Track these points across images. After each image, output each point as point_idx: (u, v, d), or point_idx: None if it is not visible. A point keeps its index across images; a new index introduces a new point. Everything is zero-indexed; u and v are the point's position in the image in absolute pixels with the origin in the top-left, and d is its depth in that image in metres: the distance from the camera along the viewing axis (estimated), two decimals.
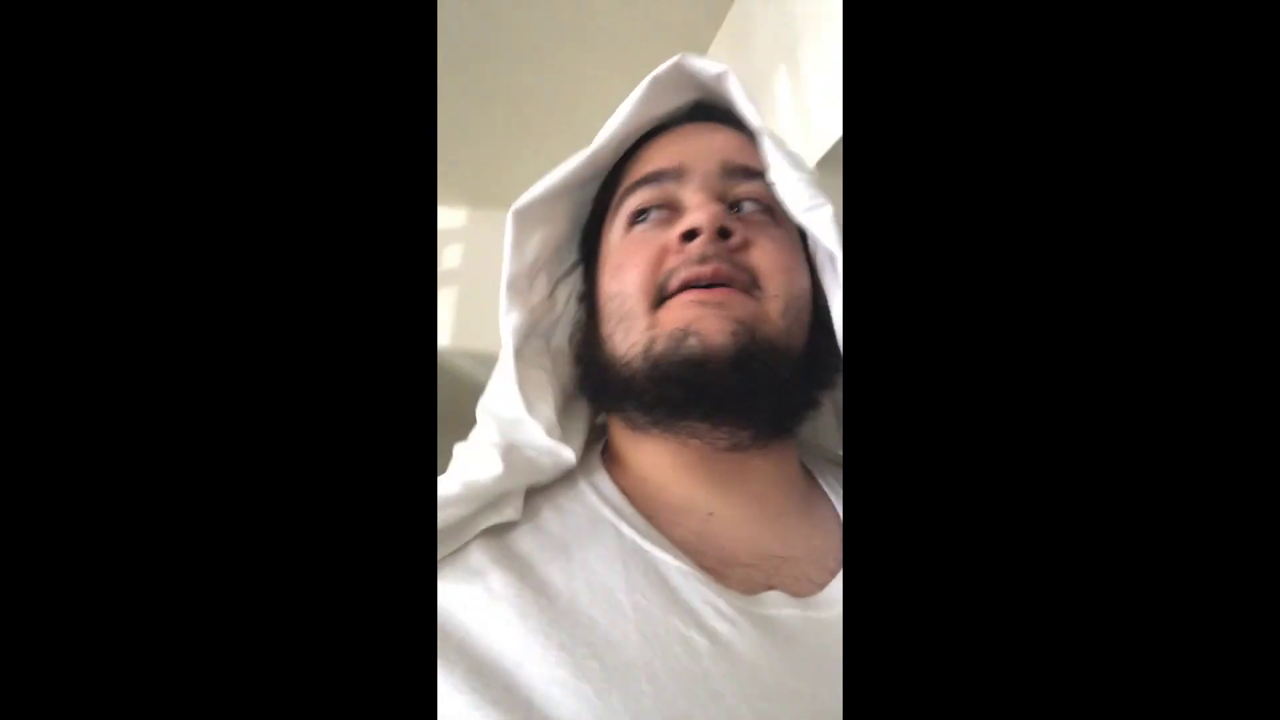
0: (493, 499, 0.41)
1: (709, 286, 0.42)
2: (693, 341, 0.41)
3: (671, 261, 0.44)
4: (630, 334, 0.44)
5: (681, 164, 0.47)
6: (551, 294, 0.51)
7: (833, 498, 0.48)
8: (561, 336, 0.51)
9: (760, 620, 0.37)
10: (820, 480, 0.50)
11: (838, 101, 1.08)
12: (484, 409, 0.47)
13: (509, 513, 0.41)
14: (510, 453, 0.42)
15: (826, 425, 0.53)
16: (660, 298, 0.43)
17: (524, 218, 0.48)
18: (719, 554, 0.41)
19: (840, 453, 0.53)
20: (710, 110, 0.51)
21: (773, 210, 0.47)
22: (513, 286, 0.48)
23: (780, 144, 0.47)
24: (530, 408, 0.44)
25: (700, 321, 0.41)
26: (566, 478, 0.46)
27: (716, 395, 0.41)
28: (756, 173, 0.47)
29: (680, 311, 0.42)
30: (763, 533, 0.43)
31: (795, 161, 0.46)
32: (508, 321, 0.47)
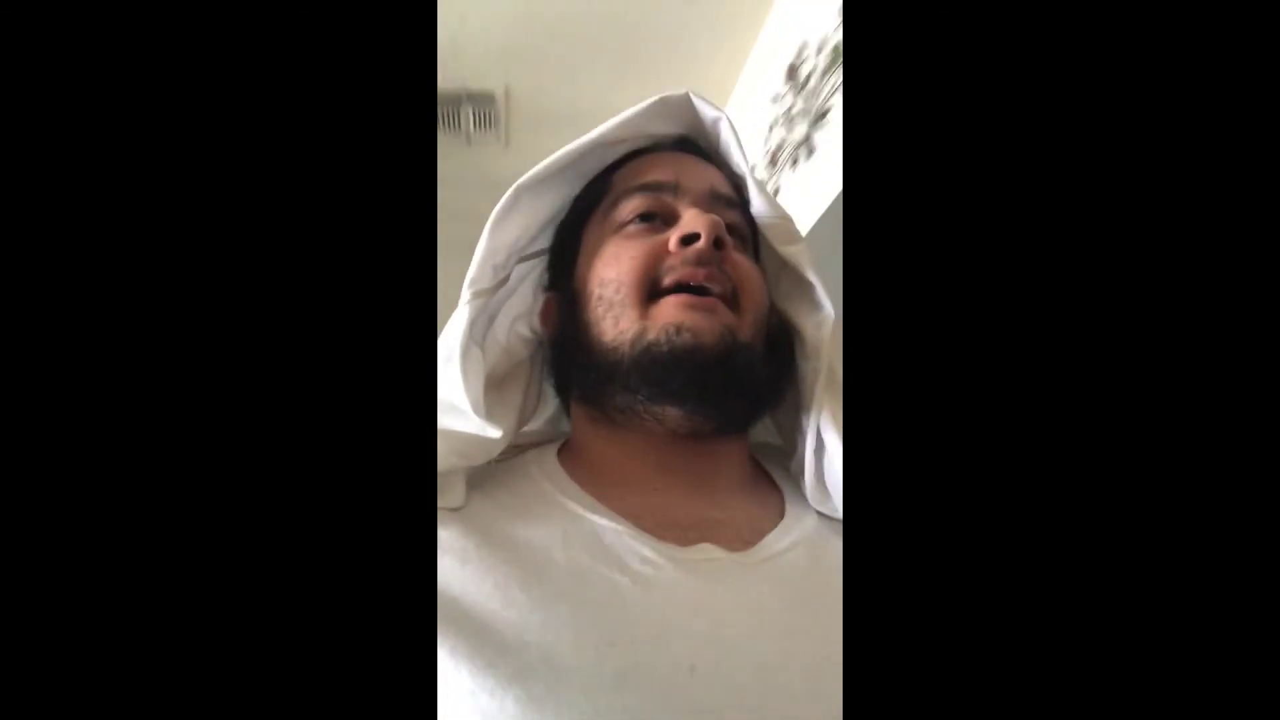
0: None
1: (700, 294, 0.47)
2: (687, 336, 0.45)
3: (668, 261, 0.48)
4: (620, 321, 0.48)
5: (679, 181, 0.52)
6: (509, 275, 0.54)
7: (781, 485, 0.52)
8: (505, 318, 0.55)
9: (685, 563, 0.42)
10: (771, 472, 0.54)
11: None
12: None
13: (451, 499, 0.45)
14: (439, 439, 0.45)
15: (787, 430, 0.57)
16: (653, 292, 0.48)
17: (522, 192, 0.52)
18: (659, 519, 0.45)
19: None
20: (691, 145, 0.57)
21: (744, 240, 0.53)
22: (490, 258, 0.52)
23: (762, 186, 0.53)
24: (466, 385, 0.48)
25: (693, 321, 0.46)
26: (519, 465, 0.51)
27: (703, 383, 0.45)
28: (736, 204, 0.53)
29: (674, 311, 0.47)
30: (703, 502, 0.48)
31: (774, 202, 0.53)
32: (474, 286, 0.51)
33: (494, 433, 0.47)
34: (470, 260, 0.51)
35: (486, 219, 0.52)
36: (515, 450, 0.53)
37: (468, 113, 2.03)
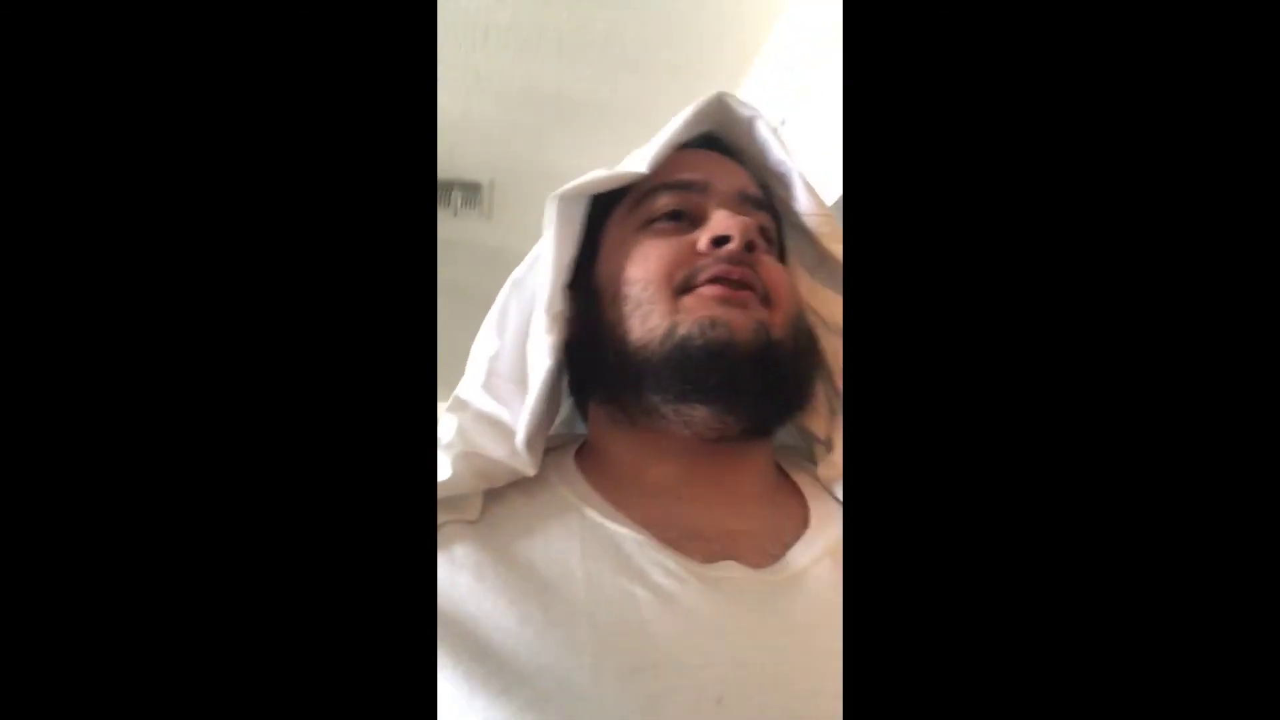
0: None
1: (735, 288, 0.45)
2: (721, 331, 0.44)
3: (699, 261, 0.46)
4: (649, 319, 0.46)
5: (708, 181, 0.50)
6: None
7: (805, 492, 0.50)
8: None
9: (708, 579, 0.41)
10: (798, 482, 0.52)
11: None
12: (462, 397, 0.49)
13: (468, 513, 0.44)
14: (462, 461, 0.45)
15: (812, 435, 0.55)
16: (684, 288, 0.46)
17: (563, 202, 0.50)
18: (681, 529, 0.44)
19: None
20: (716, 142, 0.54)
21: (771, 241, 0.52)
22: (558, 279, 0.48)
23: (807, 182, 0.52)
24: (530, 418, 0.46)
25: (727, 315, 0.44)
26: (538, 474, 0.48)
27: (736, 381, 0.44)
28: (764, 206, 0.52)
29: (708, 303, 0.45)
30: (726, 512, 0.46)
31: (819, 199, 0.52)
32: (552, 310, 0.47)
33: (529, 469, 0.45)
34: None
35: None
36: None
37: (456, 197, 2.16)
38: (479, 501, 0.45)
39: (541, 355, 0.47)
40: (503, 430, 0.46)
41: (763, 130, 0.53)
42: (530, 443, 0.46)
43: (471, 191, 2.17)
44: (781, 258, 0.53)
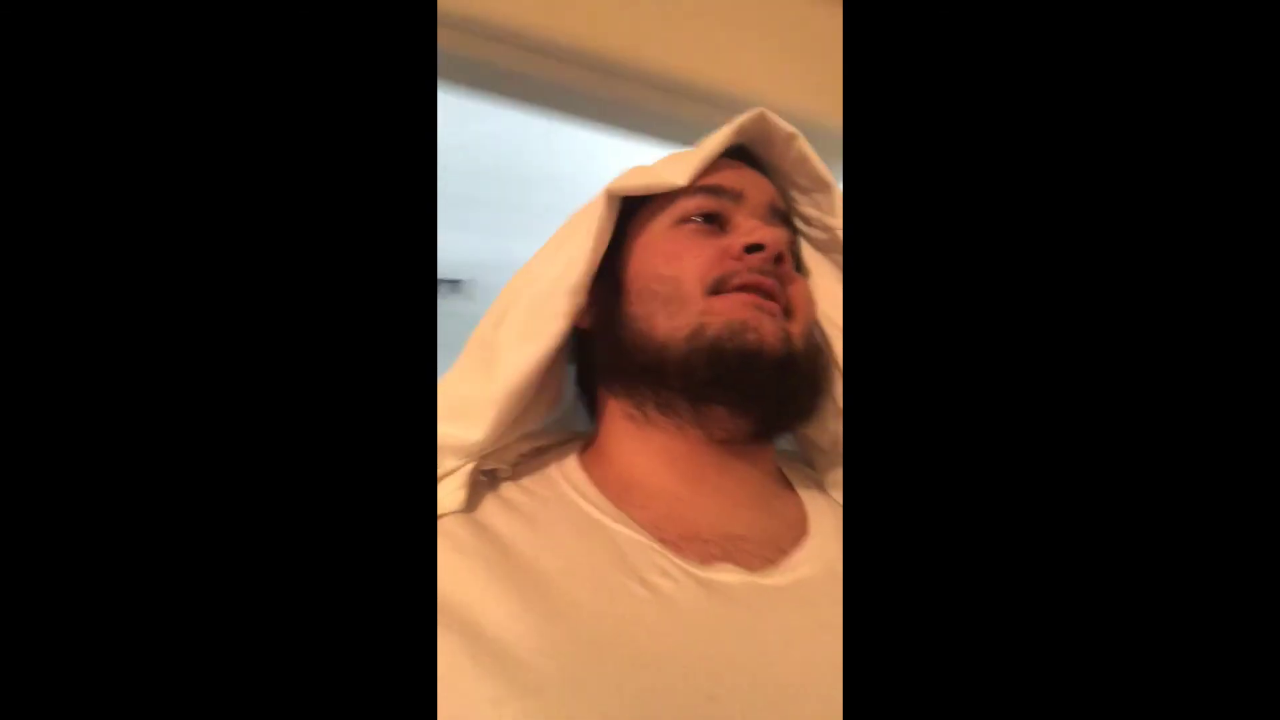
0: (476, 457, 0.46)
1: (765, 296, 0.47)
2: (751, 336, 0.45)
3: (731, 265, 0.48)
4: (676, 316, 0.47)
5: (742, 189, 0.52)
6: None
7: (805, 501, 0.51)
8: None
9: (704, 581, 0.41)
10: (797, 488, 0.53)
11: None
12: (484, 343, 0.50)
13: (449, 503, 0.44)
14: (500, 416, 0.46)
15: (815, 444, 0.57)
16: (715, 290, 0.47)
17: (612, 198, 0.51)
18: (681, 530, 0.45)
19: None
20: (746, 154, 0.56)
21: (792, 258, 0.53)
22: (592, 265, 0.49)
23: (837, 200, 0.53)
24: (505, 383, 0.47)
25: (758, 320, 0.46)
26: (539, 468, 0.50)
27: (758, 385, 0.45)
28: (787, 219, 0.54)
29: (738, 306, 0.46)
30: (727, 515, 0.47)
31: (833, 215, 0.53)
32: (576, 296, 0.48)
33: (474, 435, 0.46)
34: None
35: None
36: (536, 452, 0.52)
37: (444, 289, 2.25)
38: (463, 492, 0.45)
39: (553, 320, 0.47)
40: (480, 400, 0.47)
41: (801, 148, 0.54)
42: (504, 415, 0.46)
43: (455, 286, 2.24)
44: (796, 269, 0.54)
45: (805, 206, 0.55)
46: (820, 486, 0.54)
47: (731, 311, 0.46)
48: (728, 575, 0.42)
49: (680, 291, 0.47)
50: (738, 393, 0.46)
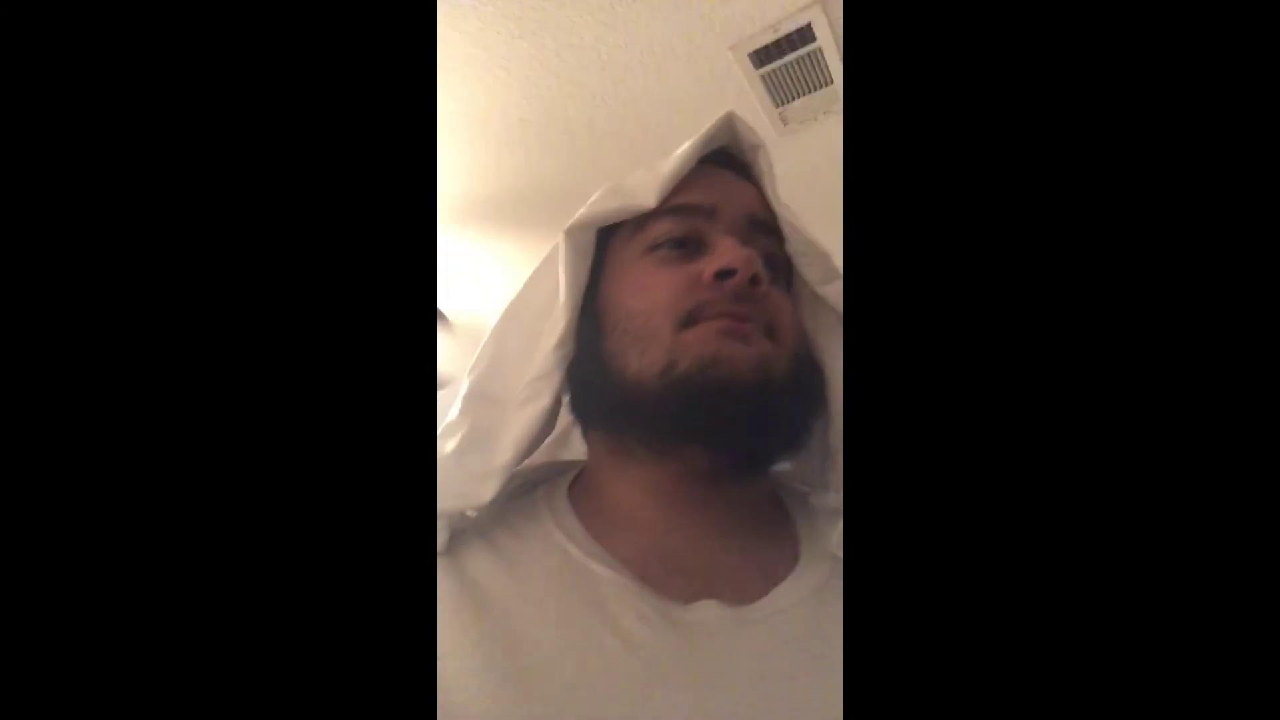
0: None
1: (738, 320, 0.44)
2: (721, 370, 0.42)
3: (703, 294, 0.44)
4: (647, 354, 0.44)
5: (714, 204, 0.48)
6: None
7: (799, 526, 0.49)
8: None
9: (681, 625, 0.40)
10: (793, 511, 0.51)
11: None
12: (481, 397, 0.49)
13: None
14: (506, 482, 0.46)
15: (811, 466, 0.54)
16: (686, 323, 0.44)
17: (576, 234, 0.49)
18: (665, 564, 0.43)
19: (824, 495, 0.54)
20: (727, 156, 0.53)
21: (779, 270, 0.49)
22: (572, 314, 0.48)
23: (796, 221, 0.50)
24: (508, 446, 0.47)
25: (729, 351, 0.42)
26: (528, 505, 0.49)
27: (733, 421, 0.42)
28: (771, 228, 0.49)
29: (709, 338, 0.43)
30: (713, 547, 0.45)
31: (808, 238, 0.49)
32: (563, 349, 0.47)
33: (482, 498, 0.45)
34: None
35: None
36: (526, 485, 0.51)
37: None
38: (444, 534, 0.45)
39: (544, 380, 0.47)
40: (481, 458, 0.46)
41: (763, 162, 0.51)
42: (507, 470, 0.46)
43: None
44: (790, 278, 0.51)
45: (791, 215, 0.51)
46: (817, 510, 0.50)
47: (701, 345, 0.43)
48: (708, 613, 0.40)
49: (650, 328, 0.44)
50: (711, 430, 0.43)
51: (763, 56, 1.41)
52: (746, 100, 1.47)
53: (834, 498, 0.48)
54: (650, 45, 1.35)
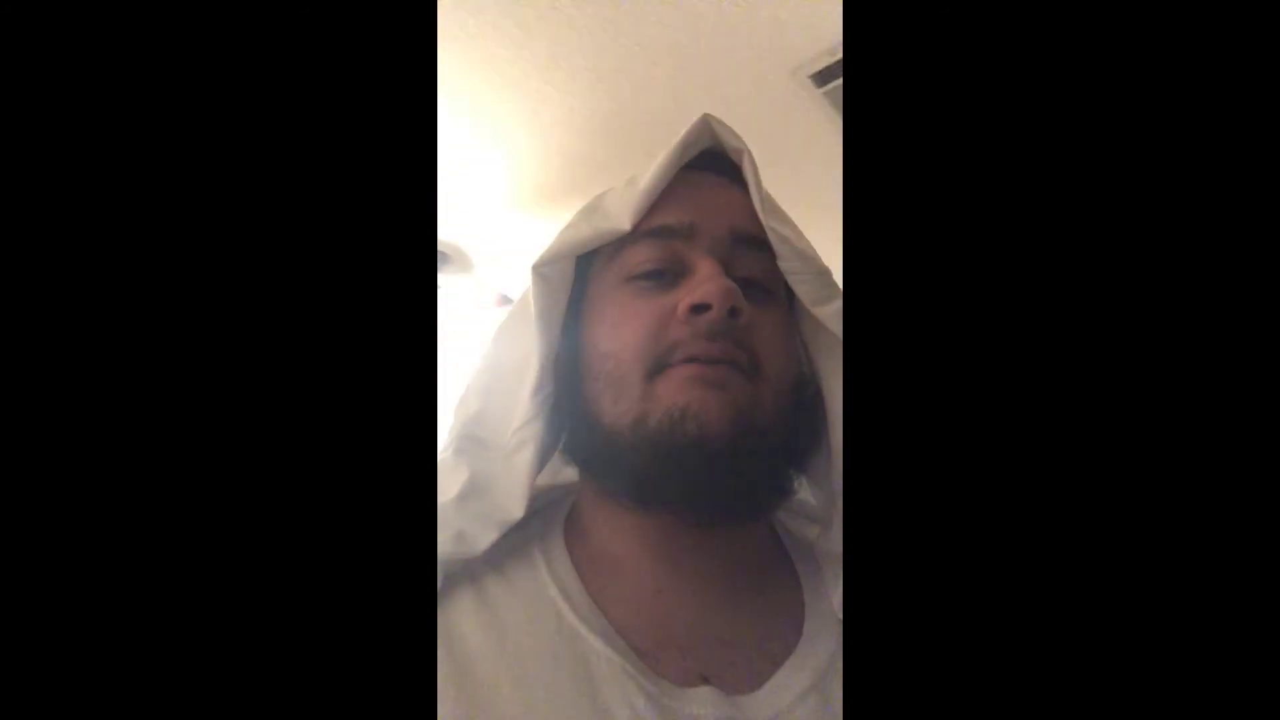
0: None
1: (711, 363, 0.41)
2: (691, 426, 0.39)
3: (676, 332, 0.42)
4: (620, 401, 0.42)
5: (693, 223, 0.45)
6: None
7: (800, 570, 0.47)
8: None
9: (676, 716, 0.38)
10: (795, 560, 0.49)
11: None
12: (471, 439, 0.48)
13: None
14: (504, 530, 0.45)
15: (816, 498, 0.52)
16: (659, 367, 0.42)
17: (549, 268, 0.47)
18: (658, 635, 0.41)
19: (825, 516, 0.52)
20: (714, 158, 0.49)
21: (769, 291, 0.46)
22: (548, 356, 0.46)
23: (786, 231, 0.45)
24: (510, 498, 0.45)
25: (700, 403, 0.40)
26: (522, 546, 0.46)
27: (706, 482, 0.40)
28: (761, 243, 0.45)
29: (679, 388, 0.40)
30: (708, 614, 0.43)
31: (801, 249, 0.45)
32: (542, 393, 0.46)
33: (480, 544, 0.44)
34: None
35: None
36: (520, 524, 0.48)
37: None
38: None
39: (528, 428, 0.45)
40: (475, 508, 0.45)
41: (747, 167, 0.46)
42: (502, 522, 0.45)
43: None
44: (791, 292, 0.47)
45: (783, 228, 0.46)
46: (822, 554, 0.48)
47: (671, 396, 0.40)
48: (705, 708, 0.38)
49: (620, 372, 0.42)
50: (678, 493, 0.41)
51: (825, 76, 1.42)
52: (812, 119, 1.48)
53: (839, 540, 0.44)
54: (715, 78, 1.39)
